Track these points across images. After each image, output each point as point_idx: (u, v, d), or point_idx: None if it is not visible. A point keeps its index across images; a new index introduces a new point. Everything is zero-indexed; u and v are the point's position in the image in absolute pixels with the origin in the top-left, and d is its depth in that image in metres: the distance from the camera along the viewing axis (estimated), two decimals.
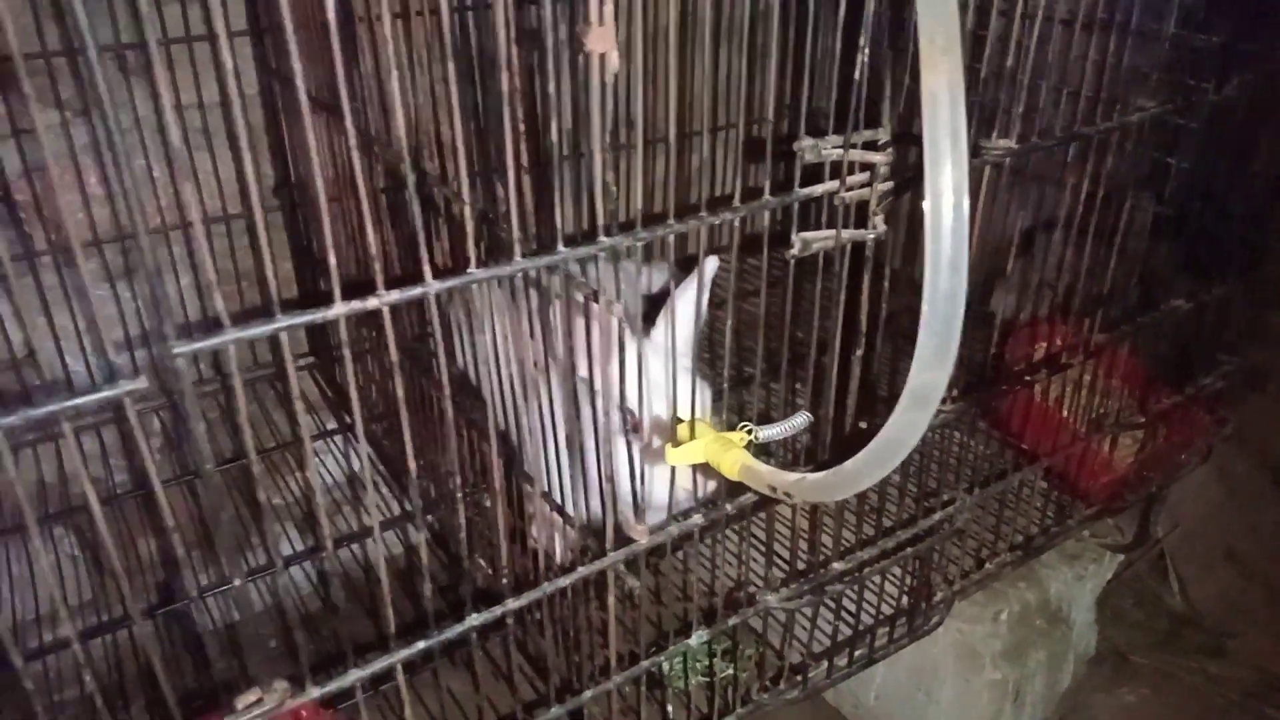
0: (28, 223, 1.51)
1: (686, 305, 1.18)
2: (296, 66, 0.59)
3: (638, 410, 1.11)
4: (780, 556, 1.11)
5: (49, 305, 1.48)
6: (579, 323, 1.11)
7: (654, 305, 1.32)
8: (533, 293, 1.26)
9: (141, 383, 0.59)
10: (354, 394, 0.71)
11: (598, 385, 1.16)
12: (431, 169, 0.95)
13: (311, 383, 1.70)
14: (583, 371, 1.16)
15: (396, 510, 1.48)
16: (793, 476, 0.82)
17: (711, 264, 1.22)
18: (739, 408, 0.96)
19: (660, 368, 1.13)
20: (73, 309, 1.50)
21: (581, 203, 0.79)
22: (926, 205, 0.66)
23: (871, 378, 1.01)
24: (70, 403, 0.59)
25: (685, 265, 1.30)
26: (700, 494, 1.06)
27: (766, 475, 0.85)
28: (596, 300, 0.84)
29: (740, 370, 0.95)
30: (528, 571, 1.04)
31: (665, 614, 1.06)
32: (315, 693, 0.77)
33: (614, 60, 0.73)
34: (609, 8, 0.71)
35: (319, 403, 1.70)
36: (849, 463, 0.75)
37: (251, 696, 0.74)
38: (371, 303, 0.69)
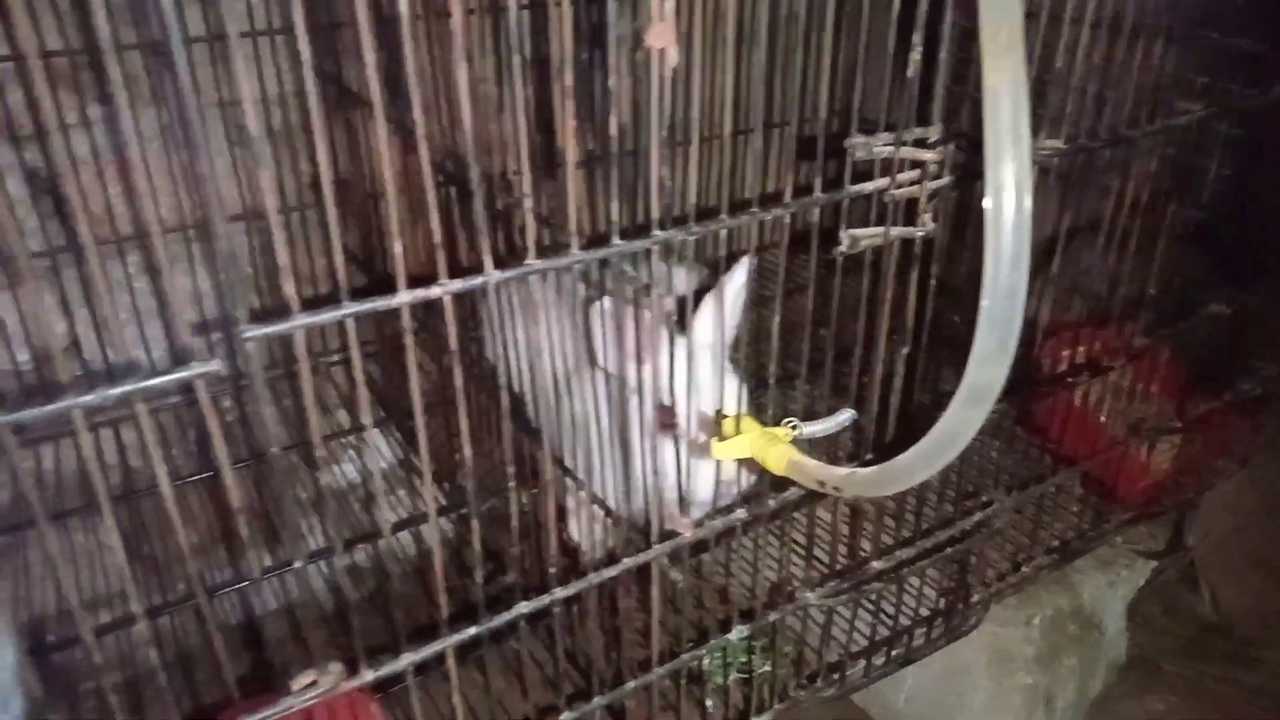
0: (73, 216, 1.54)
1: (724, 303, 1.19)
2: (371, 60, 0.60)
3: (677, 406, 1.11)
4: (819, 555, 1.11)
5: (92, 297, 1.50)
6: (621, 320, 1.12)
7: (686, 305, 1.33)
8: (579, 288, 1.27)
9: (215, 364, 0.61)
10: (414, 382, 0.72)
11: (635, 381, 1.17)
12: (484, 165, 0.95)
13: (341, 379, 1.72)
14: (620, 368, 1.17)
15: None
16: (842, 471, 0.82)
17: (748, 263, 1.23)
18: (782, 405, 0.96)
19: (696, 364, 1.13)
20: (113, 301, 1.52)
21: (637, 197, 0.80)
22: (987, 201, 0.67)
23: (916, 376, 1.01)
24: (145, 383, 0.60)
25: (714, 267, 1.31)
26: (739, 489, 1.07)
27: (814, 470, 0.85)
28: (648, 294, 0.84)
29: (785, 367, 0.95)
30: (561, 568, 1.04)
31: (704, 610, 1.06)
32: (369, 675, 0.78)
33: (673, 55, 0.74)
34: (670, 3, 0.71)
35: (351, 397, 1.72)
36: (901, 457, 0.75)
37: (307, 678, 0.75)
38: (435, 291, 0.70)
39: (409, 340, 0.70)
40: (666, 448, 1.07)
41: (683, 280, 1.58)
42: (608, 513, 1.06)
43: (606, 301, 1.13)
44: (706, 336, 1.19)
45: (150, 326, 1.57)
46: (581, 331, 1.26)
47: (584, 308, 1.24)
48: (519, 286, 0.81)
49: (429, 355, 1.36)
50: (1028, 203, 0.66)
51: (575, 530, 1.36)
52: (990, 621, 1.47)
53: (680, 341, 1.11)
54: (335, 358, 1.72)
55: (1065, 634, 1.63)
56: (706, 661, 1.08)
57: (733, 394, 1.12)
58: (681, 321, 1.23)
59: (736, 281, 1.21)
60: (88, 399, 0.58)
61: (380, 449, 1.68)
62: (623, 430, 1.13)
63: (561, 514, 1.37)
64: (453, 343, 0.73)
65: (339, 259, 0.65)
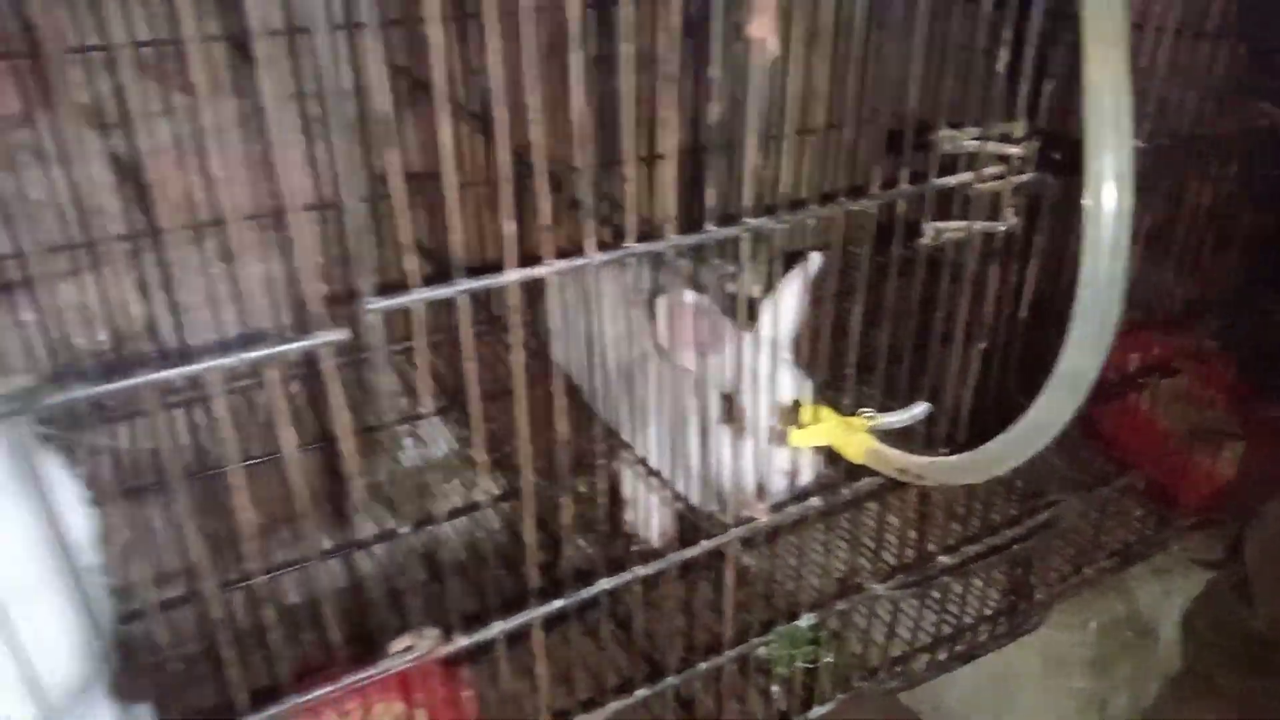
0: (155, 202, 1.59)
1: (792, 299, 1.21)
2: (495, 47, 0.63)
3: (742, 397, 1.14)
4: (887, 549, 1.12)
5: (171, 280, 1.55)
6: (690, 317, 1.15)
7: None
8: (654, 280, 1.29)
9: (343, 333, 0.64)
10: (518, 360, 0.74)
11: (699, 372, 1.19)
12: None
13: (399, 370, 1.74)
14: (685, 359, 1.20)
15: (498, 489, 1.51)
16: (926, 459, 0.84)
17: (815, 260, 1.25)
18: (856, 397, 0.98)
19: (761, 357, 1.15)
20: (187, 284, 1.57)
21: (730, 186, 0.82)
22: (1086, 192, 0.68)
23: (991, 372, 1.02)
24: (278, 349, 0.63)
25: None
26: (808, 478, 1.09)
27: (895, 458, 0.86)
28: (735, 281, 0.86)
29: (865, 359, 0.96)
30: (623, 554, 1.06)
31: (773, 599, 1.08)
32: (462, 641, 0.80)
33: (772, 45, 0.76)
34: None
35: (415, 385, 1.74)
36: (990, 444, 0.76)
37: (404, 642, 0.78)
38: (540, 270, 0.72)
39: (516, 319, 0.72)
40: (734, 436, 1.09)
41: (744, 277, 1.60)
42: (679, 499, 1.08)
43: (681, 294, 1.15)
44: (772, 330, 1.21)
45: (225, 310, 1.62)
46: (649, 322, 1.28)
47: (651, 299, 1.27)
48: (615, 271, 0.83)
49: (489, 348, 1.39)
50: (1128, 194, 0.67)
51: (633, 519, 1.39)
52: (1045, 625, 1.47)
53: (745, 335, 1.13)
54: (399, 346, 1.75)
55: (1120, 641, 1.62)
56: (773, 648, 1.10)
57: (796, 386, 1.14)
58: (748, 315, 1.25)
59: (802, 277, 1.22)
60: (225, 361, 0.61)
61: (440, 436, 1.71)
62: (691, 419, 1.15)
63: (620, 500, 1.40)
64: (554, 321, 0.75)
65: (456, 236, 0.68)
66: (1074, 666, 1.55)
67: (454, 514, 1.31)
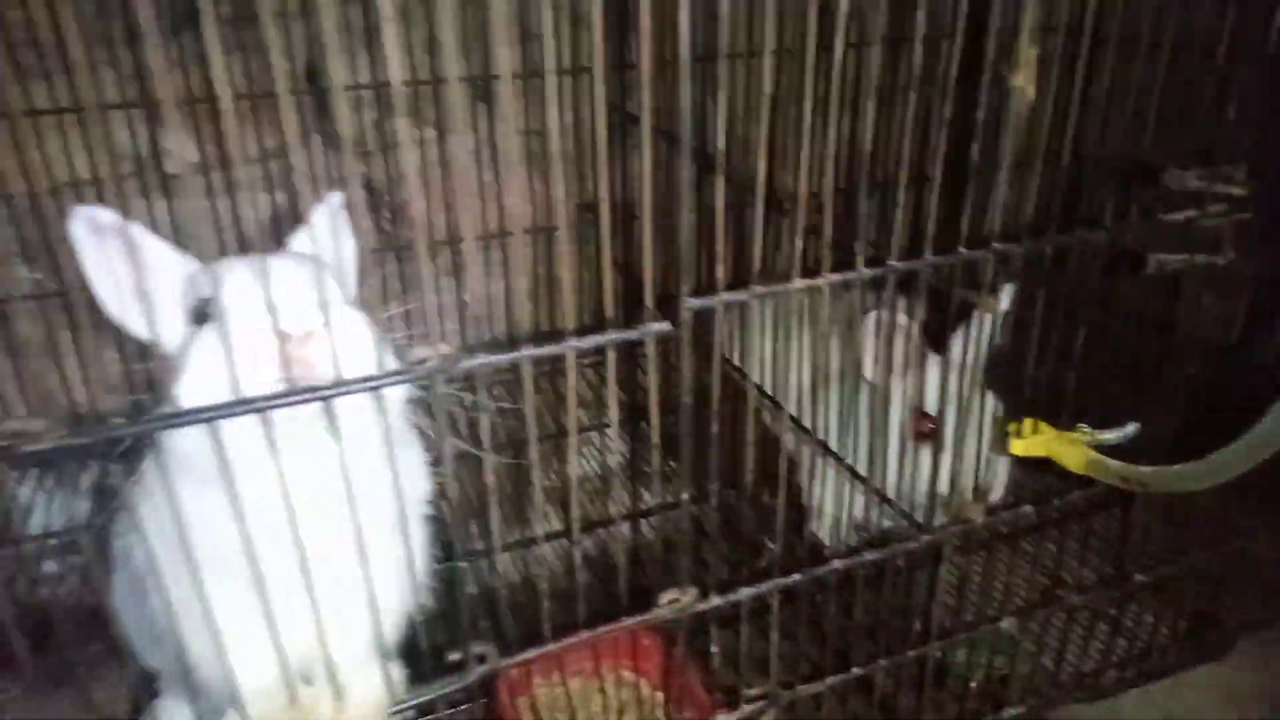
0: (394, 221, 1.80)
1: (986, 325, 1.30)
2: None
3: (941, 416, 1.22)
4: (1088, 563, 1.18)
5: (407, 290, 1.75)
6: (894, 338, 1.25)
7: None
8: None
9: (666, 325, 0.77)
10: (765, 362, 0.86)
11: (901, 391, 1.28)
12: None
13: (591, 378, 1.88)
14: (888, 379, 1.29)
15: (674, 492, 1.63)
16: (1149, 468, 0.91)
17: (1009, 290, 1.33)
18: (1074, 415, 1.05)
19: (960, 379, 1.24)
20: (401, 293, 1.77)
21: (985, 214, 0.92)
22: None
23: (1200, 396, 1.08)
24: (617, 335, 0.77)
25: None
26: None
27: (1117, 467, 0.94)
28: (991, 304, 0.96)
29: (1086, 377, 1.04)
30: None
31: (976, 603, 1.15)
32: (716, 600, 0.92)
33: (1030, 92, 0.86)
34: (1033, 51, 0.84)
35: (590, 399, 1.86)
36: (1218, 454, 0.84)
37: (671, 595, 0.91)
38: (819, 281, 0.84)
39: (763, 325, 0.84)
40: (932, 450, 1.19)
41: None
42: (885, 500, 1.17)
43: (887, 316, 1.25)
44: (967, 353, 1.30)
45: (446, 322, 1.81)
46: (849, 341, 1.39)
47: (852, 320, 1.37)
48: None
49: (673, 366, 1.51)
50: None
51: (815, 527, 1.49)
52: (1224, 662, 1.47)
53: (942, 357, 1.22)
54: (586, 360, 1.90)
55: None
56: (972, 652, 1.17)
57: (990, 405, 1.22)
58: (939, 341, 1.34)
59: (998, 305, 1.31)
60: (582, 343, 0.75)
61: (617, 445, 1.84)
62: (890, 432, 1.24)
63: (802, 511, 1.50)
64: (827, 320, 0.87)
65: (757, 249, 0.81)
66: (1252, 705, 1.54)
67: (644, 513, 1.45)
